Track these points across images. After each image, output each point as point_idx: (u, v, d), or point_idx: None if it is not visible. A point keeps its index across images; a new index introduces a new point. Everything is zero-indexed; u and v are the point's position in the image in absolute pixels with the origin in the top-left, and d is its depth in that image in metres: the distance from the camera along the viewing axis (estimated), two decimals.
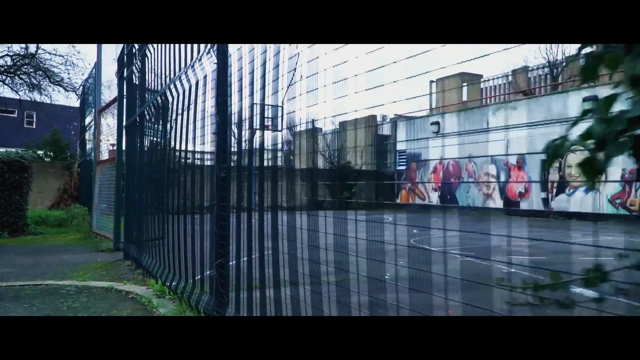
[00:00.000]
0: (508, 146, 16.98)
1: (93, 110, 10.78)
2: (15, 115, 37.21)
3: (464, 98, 26.36)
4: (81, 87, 16.32)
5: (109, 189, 9.02)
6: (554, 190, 15.53)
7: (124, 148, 7.43)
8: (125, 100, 7.30)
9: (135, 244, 6.22)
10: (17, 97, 16.25)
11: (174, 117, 4.39)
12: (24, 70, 15.32)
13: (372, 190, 23.34)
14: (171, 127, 4.48)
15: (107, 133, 9.98)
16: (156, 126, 5.32)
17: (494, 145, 16.95)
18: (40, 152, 19.88)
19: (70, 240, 9.38)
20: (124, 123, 7.19)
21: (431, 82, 36.66)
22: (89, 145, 15.41)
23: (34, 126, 38.59)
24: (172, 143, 4.42)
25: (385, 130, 25.58)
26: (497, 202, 17.61)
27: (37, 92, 16.28)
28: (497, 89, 25.82)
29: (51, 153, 18.98)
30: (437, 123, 20.06)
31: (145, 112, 5.62)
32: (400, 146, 22.45)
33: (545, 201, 15.89)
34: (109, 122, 9.88)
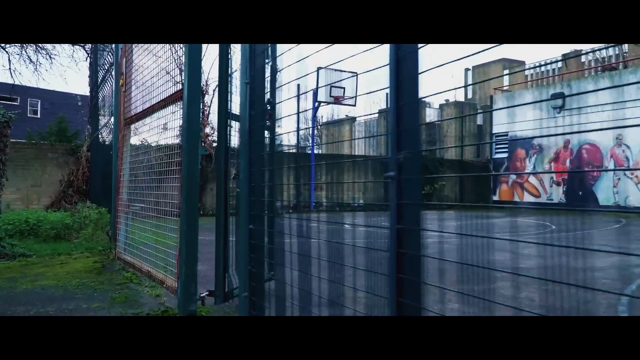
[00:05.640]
0: None
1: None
2: (18, 104, 34.50)
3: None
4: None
5: (159, 170, 4.19)
6: None
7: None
8: None
9: None
10: (5, 54, 11.76)
11: None
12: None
13: (456, 184, 18.52)
14: None
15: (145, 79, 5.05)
16: None
17: None
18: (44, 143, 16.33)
19: (73, 274, 4.62)
20: None
21: (466, 69, 32.45)
22: (102, 121, 10.65)
23: (39, 115, 36.81)
24: None
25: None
26: None
27: (32, 48, 11.76)
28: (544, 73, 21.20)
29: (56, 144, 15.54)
30: (562, 95, 15.14)
31: None
32: (497, 128, 17.54)
33: None
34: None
